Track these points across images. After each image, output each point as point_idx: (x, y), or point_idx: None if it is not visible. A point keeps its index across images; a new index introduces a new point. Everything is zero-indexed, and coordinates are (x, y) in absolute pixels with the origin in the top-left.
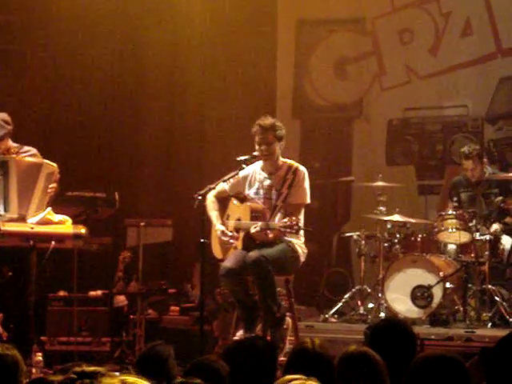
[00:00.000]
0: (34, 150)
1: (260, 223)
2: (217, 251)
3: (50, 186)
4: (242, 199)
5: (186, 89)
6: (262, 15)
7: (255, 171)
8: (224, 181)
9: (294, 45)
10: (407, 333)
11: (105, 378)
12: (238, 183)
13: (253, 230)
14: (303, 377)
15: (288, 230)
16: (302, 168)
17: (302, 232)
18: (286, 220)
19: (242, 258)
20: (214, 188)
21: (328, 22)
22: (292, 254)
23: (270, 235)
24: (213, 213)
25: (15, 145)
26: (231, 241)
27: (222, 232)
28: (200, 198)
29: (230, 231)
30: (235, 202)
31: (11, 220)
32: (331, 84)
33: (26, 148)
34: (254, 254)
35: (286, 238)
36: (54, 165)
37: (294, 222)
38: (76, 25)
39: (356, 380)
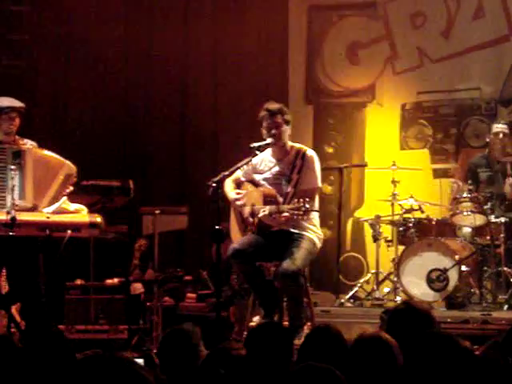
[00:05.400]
0: (32, 143)
1: (268, 207)
2: (235, 237)
3: (68, 188)
4: (256, 184)
5: (198, 76)
6: (274, 1)
7: (264, 158)
8: (238, 168)
9: (306, 30)
10: (427, 317)
11: None
12: (248, 170)
13: (261, 214)
14: None
15: (296, 212)
16: (311, 152)
17: (316, 216)
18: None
19: (251, 241)
20: (228, 175)
21: (339, 7)
22: (315, 250)
23: (281, 219)
24: (232, 193)
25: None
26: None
27: (240, 206)
28: (214, 184)
29: (246, 217)
30: (249, 187)
31: (24, 209)
32: (343, 69)
33: (26, 140)
34: (288, 265)
35: (306, 234)
36: (74, 168)
37: (302, 204)
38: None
39: (370, 363)
